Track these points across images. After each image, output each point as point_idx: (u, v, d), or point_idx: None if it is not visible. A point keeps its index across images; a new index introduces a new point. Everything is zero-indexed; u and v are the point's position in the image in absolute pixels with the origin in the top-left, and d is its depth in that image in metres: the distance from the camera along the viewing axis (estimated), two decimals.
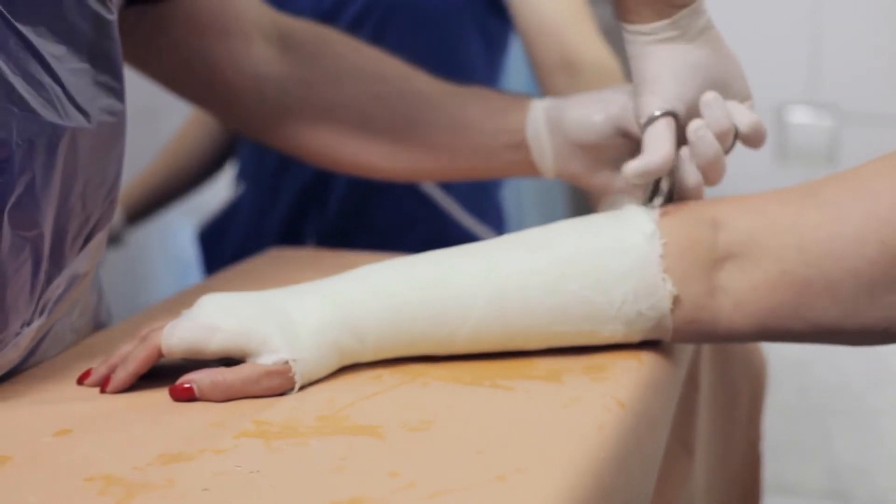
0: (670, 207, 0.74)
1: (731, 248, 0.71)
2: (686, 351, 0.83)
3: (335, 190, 1.48)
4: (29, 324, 0.70)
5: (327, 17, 1.39)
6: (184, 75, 0.96)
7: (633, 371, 0.71)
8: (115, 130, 0.74)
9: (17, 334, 0.69)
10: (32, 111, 0.66)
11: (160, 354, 0.68)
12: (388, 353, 0.72)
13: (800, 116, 2.41)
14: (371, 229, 1.48)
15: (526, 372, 0.70)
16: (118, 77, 0.74)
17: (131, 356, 0.69)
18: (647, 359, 0.74)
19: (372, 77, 0.95)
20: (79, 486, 0.55)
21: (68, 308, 0.77)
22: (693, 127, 0.77)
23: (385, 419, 0.63)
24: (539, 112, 0.89)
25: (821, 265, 0.69)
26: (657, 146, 0.76)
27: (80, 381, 0.70)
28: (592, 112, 0.85)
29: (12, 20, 0.65)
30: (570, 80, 1.18)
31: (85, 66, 0.70)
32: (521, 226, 1.42)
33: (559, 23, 1.20)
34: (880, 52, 2.34)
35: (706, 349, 0.93)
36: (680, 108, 0.77)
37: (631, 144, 0.84)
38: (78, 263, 0.74)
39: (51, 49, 0.67)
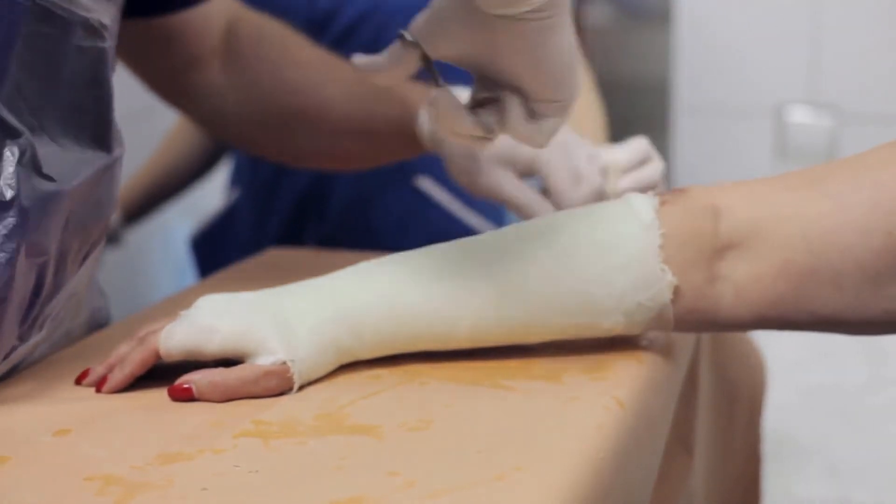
0: (669, 195, 0.73)
1: (733, 237, 0.70)
2: (686, 351, 0.83)
3: (335, 192, 1.48)
4: (26, 341, 0.70)
5: (321, 23, 1.40)
6: (152, 87, 0.99)
7: (632, 371, 0.71)
8: (114, 167, 0.74)
9: (13, 349, 0.69)
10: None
11: (158, 357, 0.68)
12: (386, 349, 0.72)
13: (800, 116, 2.42)
14: (372, 231, 1.48)
15: (525, 372, 0.70)
16: (108, 130, 0.74)
17: (128, 358, 0.69)
18: (646, 359, 0.73)
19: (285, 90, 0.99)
20: (78, 485, 0.55)
21: (67, 321, 0.77)
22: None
23: (384, 419, 0.63)
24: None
25: (826, 255, 0.68)
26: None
27: (78, 382, 0.70)
28: None
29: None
30: None
31: (69, 139, 0.70)
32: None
33: None
34: (880, 52, 2.34)
35: (706, 349, 0.92)
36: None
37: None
38: (77, 280, 0.74)
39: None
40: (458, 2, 0.69)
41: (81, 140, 0.71)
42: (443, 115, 0.72)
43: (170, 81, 0.98)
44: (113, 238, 1.62)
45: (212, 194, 1.88)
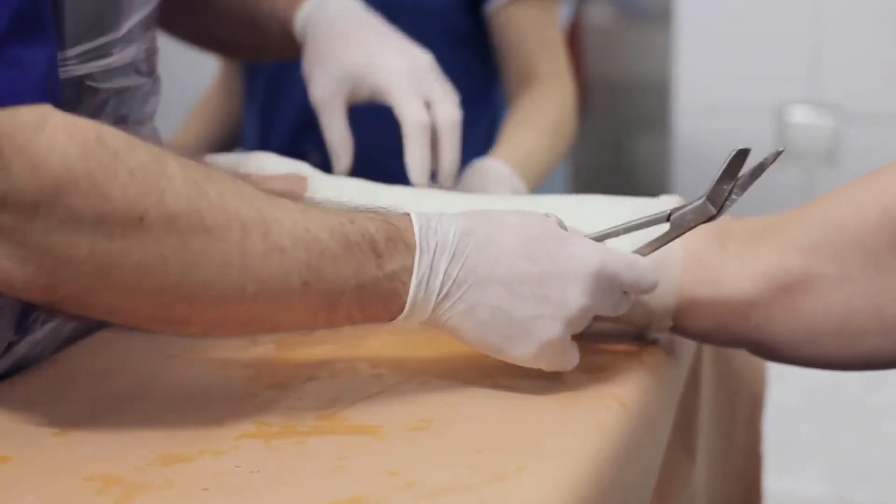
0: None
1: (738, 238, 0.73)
2: (688, 351, 0.82)
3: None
4: (25, 335, 0.70)
5: None
6: None
7: (634, 371, 0.71)
8: None
9: (11, 345, 0.69)
10: None
11: None
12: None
13: (800, 116, 2.41)
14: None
15: (526, 371, 0.70)
16: None
17: None
18: (648, 359, 0.73)
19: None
20: (78, 485, 0.55)
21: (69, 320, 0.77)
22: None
23: (384, 419, 0.63)
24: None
25: (826, 234, 0.70)
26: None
27: None
28: None
29: None
30: (523, 91, 1.23)
31: None
32: None
33: (527, 44, 1.25)
34: (882, 52, 2.34)
35: (708, 350, 0.92)
36: None
37: None
38: None
39: None
40: None
41: None
42: None
43: None
44: None
45: None
